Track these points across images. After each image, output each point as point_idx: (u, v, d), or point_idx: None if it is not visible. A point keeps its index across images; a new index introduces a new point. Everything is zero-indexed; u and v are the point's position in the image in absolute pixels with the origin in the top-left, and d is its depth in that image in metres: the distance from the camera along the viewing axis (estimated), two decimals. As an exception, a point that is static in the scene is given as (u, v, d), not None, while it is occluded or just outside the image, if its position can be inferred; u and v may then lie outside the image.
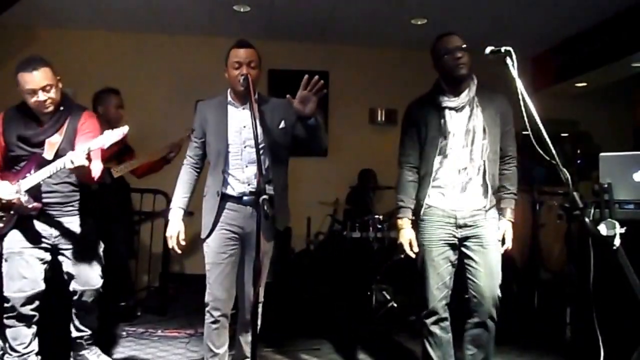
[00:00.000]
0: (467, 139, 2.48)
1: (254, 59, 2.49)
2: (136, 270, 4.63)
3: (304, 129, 2.44)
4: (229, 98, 2.60)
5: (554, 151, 1.95)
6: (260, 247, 2.20)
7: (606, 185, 2.22)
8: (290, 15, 5.21)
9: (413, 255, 2.56)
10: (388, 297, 4.17)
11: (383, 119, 6.20)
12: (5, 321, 2.67)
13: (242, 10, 5.02)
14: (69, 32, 5.60)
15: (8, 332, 2.68)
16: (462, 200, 2.51)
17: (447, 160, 2.51)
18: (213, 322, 2.55)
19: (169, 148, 3.82)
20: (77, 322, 2.85)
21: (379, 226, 4.58)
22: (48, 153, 2.60)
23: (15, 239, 2.64)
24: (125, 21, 5.44)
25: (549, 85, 6.06)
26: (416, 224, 2.58)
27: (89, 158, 2.36)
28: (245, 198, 2.52)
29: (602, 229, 1.93)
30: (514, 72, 2.07)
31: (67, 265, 2.72)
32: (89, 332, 2.88)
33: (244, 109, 2.54)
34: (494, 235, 2.55)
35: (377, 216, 4.61)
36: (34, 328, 2.72)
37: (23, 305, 2.63)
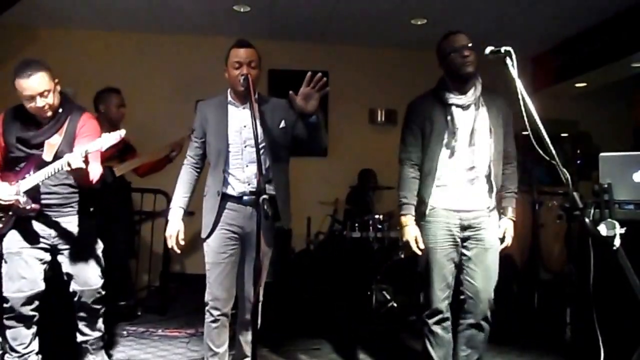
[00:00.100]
0: (473, 138, 2.48)
1: (254, 59, 2.49)
2: (137, 270, 4.64)
3: (304, 127, 2.45)
4: (229, 98, 2.60)
5: (553, 151, 1.95)
6: (261, 247, 2.20)
7: (606, 186, 2.22)
8: (290, 15, 5.21)
9: (419, 252, 2.53)
10: (388, 297, 4.17)
11: (383, 119, 6.20)
12: (5, 322, 2.67)
13: (242, 10, 5.02)
14: (69, 32, 5.60)
15: (8, 332, 2.68)
16: (467, 200, 2.51)
17: (453, 158, 2.49)
18: (213, 322, 2.56)
19: (171, 147, 3.83)
20: (80, 326, 2.81)
21: (379, 226, 4.58)
22: (47, 154, 2.59)
23: (14, 240, 2.64)
24: (125, 21, 5.44)
25: (548, 85, 6.06)
26: (419, 224, 2.56)
27: (86, 160, 2.35)
28: (245, 198, 2.53)
29: (602, 229, 1.92)
30: (514, 72, 2.07)
31: (66, 265, 2.71)
32: (94, 336, 2.83)
33: (244, 108, 2.54)
34: (495, 236, 2.56)
35: (377, 216, 4.62)
36: (34, 328, 2.71)
37: (22, 305, 2.63)
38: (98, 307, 2.80)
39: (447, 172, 2.51)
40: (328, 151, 6.00)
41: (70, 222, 2.70)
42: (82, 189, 2.70)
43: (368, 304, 4.19)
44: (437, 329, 2.56)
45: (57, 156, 2.54)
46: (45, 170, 2.48)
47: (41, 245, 2.67)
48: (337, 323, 4.12)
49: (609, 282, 2.37)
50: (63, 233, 2.68)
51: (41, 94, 2.49)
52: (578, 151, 5.13)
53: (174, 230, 2.56)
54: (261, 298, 2.55)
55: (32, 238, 2.65)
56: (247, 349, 2.65)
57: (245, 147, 2.53)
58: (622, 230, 1.91)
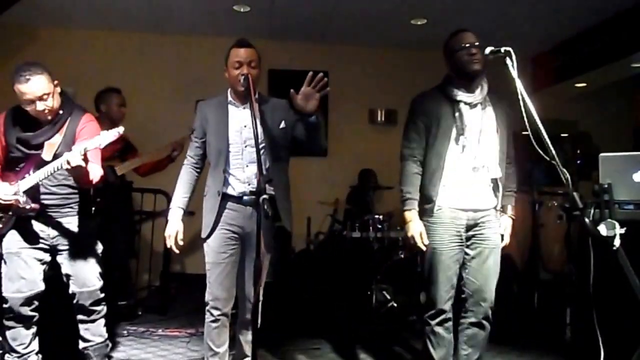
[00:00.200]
0: (481, 137, 2.48)
1: (254, 59, 2.49)
2: (137, 270, 4.64)
3: (303, 127, 2.44)
4: (229, 98, 2.60)
5: (553, 151, 1.95)
6: (261, 247, 2.20)
7: (606, 186, 2.22)
8: (290, 15, 5.21)
9: (424, 248, 2.49)
10: (388, 296, 4.17)
11: (383, 119, 6.20)
12: (5, 322, 2.66)
13: (242, 10, 5.03)
14: (69, 31, 5.60)
15: (8, 333, 2.67)
16: (476, 200, 2.50)
17: (462, 157, 2.48)
18: (213, 321, 2.56)
19: (172, 147, 3.83)
20: (81, 331, 2.77)
21: (379, 226, 4.58)
22: (47, 154, 2.58)
23: (13, 240, 2.63)
24: (125, 21, 5.43)
25: (548, 86, 6.06)
26: (423, 222, 2.53)
27: (85, 159, 2.34)
28: (245, 198, 2.52)
29: (602, 229, 1.93)
30: (514, 72, 2.08)
31: (65, 266, 2.69)
32: (95, 341, 2.78)
33: (244, 108, 2.54)
34: (498, 235, 2.56)
35: (377, 216, 4.62)
36: (34, 328, 2.70)
37: (21, 305, 2.61)
38: (97, 308, 2.76)
39: (455, 170, 2.49)
40: (328, 151, 6.01)
41: (71, 223, 2.69)
42: (82, 190, 2.69)
43: (368, 303, 4.20)
44: (439, 329, 2.55)
45: (56, 156, 2.52)
46: (45, 170, 2.47)
47: (41, 245, 2.66)
48: (337, 323, 4.13)
49: (609, 282, 2.37)
50: (62, 233, 2.67)
51: (40, 98, 2.47)
52: (578, 151, 5.14)
53: (173, 230, 2.56)
54: (261, 298, 2.56)
55: (31, 238, 2.64)
56: (247, 349, 2.65)
57: (246, 147, 2.53)
58: (622, 231, 1.91)
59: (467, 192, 2.49)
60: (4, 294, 2.63)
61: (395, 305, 4.14)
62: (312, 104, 2.35)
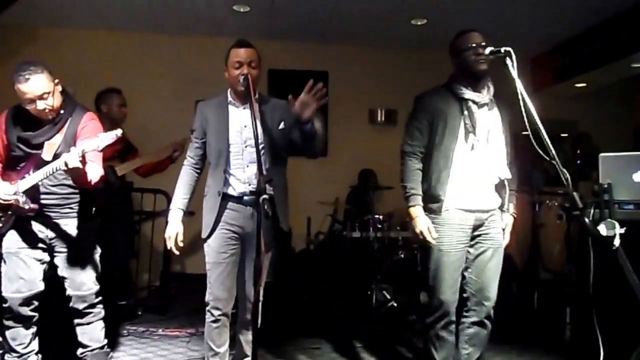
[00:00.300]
0: (489, 136, 2.48)
1: (254, 59, 2.49)
2: (137, 270, 4.64)
3: (299, 132, 2.45)
4: (229, 98, 2.60)
5: (553, 151, 1.95)
6: (261, 247, 2.20)
7: (606, 186, 2.22)
8: (290, 15, 5.21)
9: (434, 242, 2.47)
10: (388, 296, 4.17)
11: (383, 119, 6.20)
12: (5, 322, 2.66)
13: (241, 10, 5.03)
14: (69, 31, 5.59)
15: (7, 332, 2.67)
16: (484, 200, 2.51)
17: (472, 156, 2.47)
18: (214, 322, 2.56)
19: (173, 147, 3.82)
20: (79, 336, 2.75)
21: (379, 226, 4.58)
22: (46, 154, 2.57)
23: (12, 240, 2.62)
24: (125, 21, 5.43)
25: (548, 86, 6.07)
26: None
27: (83, 160, 2.32)
28: (245, 198, 2.52)
29: (602, 229, 1.93)
30: (514, 73, 2.08)
31: (61, 268, 2.68)
32: (92, 346, 2.76)
33: (244, 108, 2.54)
34: (501, 235, 2.57)
35: (377, 216, 4.62)
36: (34, 328, 2.70)
37: (20, 305, 2.61)
38: (92, 311, 2.74)
39: (464, 169, 2.48)
40: (328, 151, 6.03)
41: (69, 225, 2.67)
42: (82, 190, 2.68)
43: (368, 303, 4.20)
44: (444, 333, 2.54)
45: (56, 156, 2.51)
46: (44, 170, 2.46)
47: (40, 245, 2.65)
48: (337, 323, 4.12)
49: (608, 282, 2.37)
50: (61, 235, 2.65)
51: (40, 97, 2.46)
52: (578, 151, 5.15)
53: (173, 232, 2.56)
54: (261, 298, 2.56)
55: (30, 238, 2.63)
56: (248, 349, 2.65)
57: (246, 147, 2.53)
58: (622, 230, 1.92)
59: (475, 193, 2.49)
60: (3, 294, 2.63)
61: (395, 305, 4.14)
62: (308, 113, 2.34)
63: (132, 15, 5.25)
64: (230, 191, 2.55)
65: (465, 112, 2.47)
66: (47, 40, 5.45)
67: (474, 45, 2.44)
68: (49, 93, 2.48)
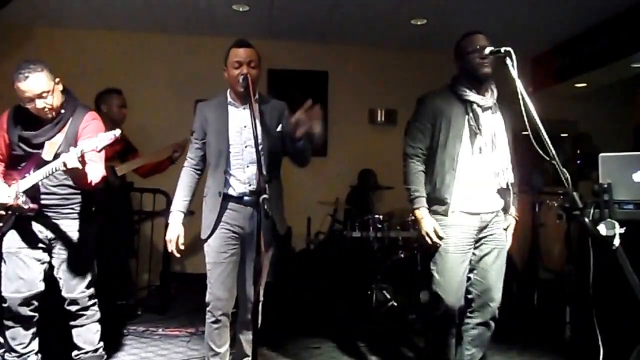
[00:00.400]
0: (495, 139, 2.48)
1: (253, 59, 2.49)
2: (137, 270, 4.64)
3: (289, 145, 2.49)
4: (229, 98, 2.60)
5: (553, 151, 1.96)
6: (261, 247, 2.20)
7: (606, 186, 2.22)
8: (289, 15, 5.21)
9: (441, 243, 2.46)
10: (388, 296, 4.17)
11: (383, 119, 6.20)
12: (5, 322, 2.65)
13: (241, 9, 5.02)
14: (67, 31, 5.56)
15: (7, 332, 2.66)
16: (489, 202, 2.51)
17: (478, 159, 2.48)
18: (214, 322, 2.55)
19: (173, 148, 3.82)
20: (74, 337, 2.74)
21: (379, 226, 4.58)
22: (47, 154, 2.56)
23: (12, 239, 2.62)
24: (123, 20, 5.42)
25: (548, 86, 6.06)
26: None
27: (83, 161, 2.31)
28: (246, 198, 2.52)
29: (602, 229, 1.93)
30: (514, 73, 2.08)
31: (57, 269, 2.67)
32: (85, 349, 2.75)
33: (244, 108, 2.54)
34: (504, 235, 2.57)
35: (377, 216, 4.62)
36: (34, 329, 2.69)
37: (20, 305, 2.60)
38: (86, 313, 2.72)
39: (470, 172, 2.47)
40: (328, 151, 6.04)
41: (69, 226, 2.66)
42: (83, 191, 2.66)
43: (368, 303, 4.20)
44: (447, 337, 2.54)
45: (57, 156, 2.50)
46: (44, 170, 2.45)
47: (39, 245, 2.64)
48: (337, 323, 4.13)
49: (608, 282, 2.37)
50: (60, 236, 2.64)
51: (39, 96, 2.45)
52: (578, 151, 5.14)
53: (174, 234, 2.55)
54: (262, 297, 2.56)
55: (30, 238, 2.62)
56: (248, 348, 2.65)
57: (246, 147, 2.53)
58: (622, 230, 1.92)
59: (480, 195, 2.49)
60: (3, 294, 2.62)
61: (395, 304, 4.14)
62: (301, 131, 2.37)
63: (131, 15, 5.24)
64: (231, 191, 2.55)
65: (470, 114, 2.46)
66: (45, 40, 5.42)
67: (477, 48, 2.42)
68: (48, 92, 2.47)
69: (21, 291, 2.60)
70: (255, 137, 2.26)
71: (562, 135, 6.13)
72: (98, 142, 2.30)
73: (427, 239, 2.47)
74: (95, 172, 2.53)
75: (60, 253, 2.66)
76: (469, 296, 2.55)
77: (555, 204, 4.53)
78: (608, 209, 2.14)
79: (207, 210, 2.57)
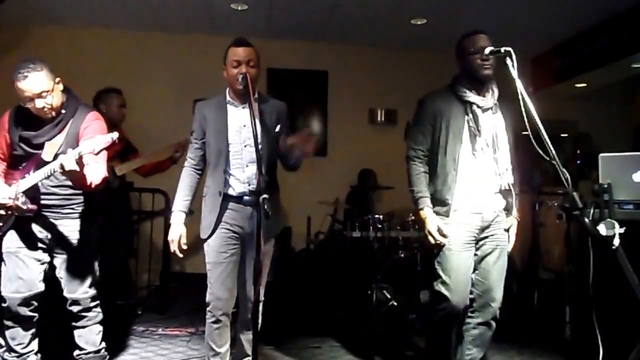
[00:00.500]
0: (497, 140, 2.48)
1: (252, 58, 2.48)
2: (136, 269, 4.64)
3: (280, 159, 2.57)
4: (228, 97, 2.59)
5: (553, 151, 1.96)
6: (261, 247, 2.20)
7: (606, 186, 2.22)
8: (289, 14, 5.21)
9: (445, 242, 2.45)
10: (388, 296, 4.17)
11: (383, 119, 6.20)
12: (4, 321, 2.65)
13: (239, 8, 5.01)
14: (64, 29, 5.52)
15: (7, 332, 2.65)
16: (491, 202, 2.51)
17: (478, 159, 2.48)
18: (215, 322, 2.55)
19: (174, 148, 3.81)
20: (76, 338, 2.73)
21: (379, 226, 4.59)
22: (47, 154, 2.54)
23: (12, 239, 2.61)
24: (120, 19, 5.39)
25: (549, 86, 6.06)
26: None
27: (81, 163, 2.29)
28: (245, 198, 2.52)
29: (602, 229, 1.93)
30: (514, 73, 2.08)
31: (59, 270, 2.66)
32: (87, 350, 2.74)
33: (243, 108, 2.54)
34: (506, 236, 2.57)
35: (377, 216, 4.62)
36: (33, 329, 2.68)
37: (19, 306, 2.59)
38: (88, 315, 2.71)
39: (472, 172, 2.48)
40: (328, 151, 6.04)
41: (69, 226, 2.64)
42: (85, 191, 2.63)
43: (368, 303, 4.20)
44: (450, 337, 2.54)
45: (57, 157, 2.47)
46: (43, 171, 2.44)
47: (40, 245, 2.63)
48: (338, 322, 4.13)
49: (608, 282, 2.37)
50: (60, 237, 2.63)
51: (39, 95, 2.43)
52: (578, 151, 5.14)
53: (177, 234, 2.55)
54: (262, 297, 2.56)
55: (30, 239, 2.61)
56: (248, 348, 2.65)
57: (245, 146, 2.53)
58: (622, 230, 1.92)
59: (481, 195, 2.49)
60: (2, 294, 2.61)
61: (395, 304, 4.14)
62: (294, 155, 2.43)
63: (128, 13, 5.22)
64: (230, 191, 2.54)
65: (470, 115, 2.46)
66: (41, 38, 5.37)
67: (479, 48, 2.41)
68: (47, 91, 2.45)
69: (20, 291, 2.59)
70: (255, 137, 2.26)
71: (562, 135, 6.13)
72: (95, 145, 2.27)
73: (431, 238, 2.47)
74: (96, 173, 2.51)
75: (61, 253, 2.65)
76: (471, 296, 2.55)
77: (555, 204, 4.53)
78: (608, 209, 2.14)
79: (206, 210, 2.57)
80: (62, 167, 2.27)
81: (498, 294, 2.52)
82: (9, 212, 2.56)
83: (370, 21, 5.31)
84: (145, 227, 4.89)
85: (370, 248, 4.55)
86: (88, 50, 5.55)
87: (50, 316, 2.82)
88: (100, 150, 2.30)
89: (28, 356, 2.69)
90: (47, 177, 2.46)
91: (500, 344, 3.40)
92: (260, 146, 2.35)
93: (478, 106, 2.47)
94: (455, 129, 2.47)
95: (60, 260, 2.66)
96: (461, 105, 2.49)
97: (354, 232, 4.66)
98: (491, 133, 2.49)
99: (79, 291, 2.67)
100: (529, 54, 6.13)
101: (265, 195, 2.11)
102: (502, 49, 2.15)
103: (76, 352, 2.76)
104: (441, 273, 2.51)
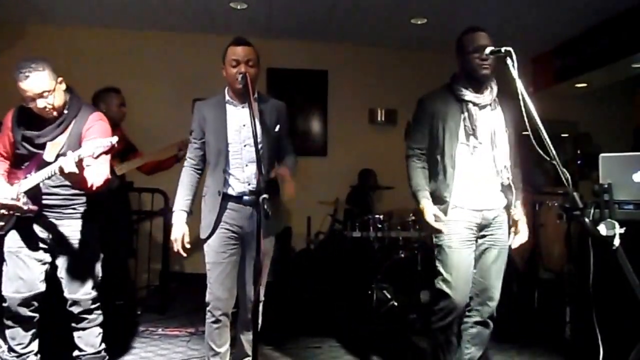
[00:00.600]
0: (495, 137, 2.48)
1: (252, 57, 2.48)
2: (136, 269, 4.63)
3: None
4: (227, 97, 2.58)
5: (554, 151, 1.95)
6: (261, 247, 2.20)
7: (606, 186, 2.22)
8: (288, 14, 5.21)
9: (445, 230, 2.43)
10: (388, 296, 4.17)
11: (383, 119, 6.20)
12: (5, 321, 2.64)
13: (239, 7, 5.01)
14: (60, 28, 5.50)
15: (7, 332, 2.65)
16: (489, 199, 2.51)
17: (475, 157, 2.48)
18: (214, 322, 2.55)
19: (178, 146, 3.79)
20: (75, 339, 2.72)
21: (379, 226, 4.59)
22: (49, 155, 2.53)
23: (13, 239, 2.60)
24: (119, 18, 5.38)
25: (549, 86, 6.07)
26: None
27: (80, 165, 2.26)
28: (245, 198, 2.52)
29: (602, 229, 1.93)
30: (515, 73, 2.08)
31: (61, 270, 2.65)
32: (87, 351, 2.73)
33: (243, 107, 2.53)
34: (507, 236, 2.57)
35: (377, 216, 4.62)
36: (34, 329, 2.67)
37: (19, 306, 2.58)
38: (88, 317, 2.70)
39: (469, 170, 2.48)
40: (328, 151, 6.05)
41: (71, 226, 2.62)
42: (88, 192, 2.60)
43: (368, 303, 4.20)
44: (453, 338, 2.53)
45: (59, 157, 2.47)
46: (44, 172, 2.42)
47: (41, 246, 2.62)
48: (338, 322, 4.12)
49: (608, 282, 2.37)
50: (62, 237, 2.61)
51: (40, 95, 2.42)
52: (578, 151, 5.13)
53: (179, 234, 2.54)
54: (263, 297, 2.56)
55: (31, 239, 2.60)
56: (248, 348, 2.65)
57: (245, 146, 2.53)
58: (622, 230, 1.91)
59: (481, 192, 2.49)
60: (3, 293, 2.61)
61: (395, 304, 4.14)
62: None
63: (126, 12, 5.20)
64: (230, 191, 2.54)
65: (465, 114, 2.47)
66: (38, 37, 5.34)
67: (478, 47, 2.41)
68: (49, 91, 2.44)
69: (21, 291, 2.58)
70: (255, 137, 2.26)
71: (563, 135, 6.12)
72: (95, 148, 2.24)
73: (430, 225, 2.45)
74: (98, 174, 2.48)
75: (62, 254, 2.64)
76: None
77: (556, 204, 4.54)
78: (608, 209, 2.14)
79: (206, 210, 2.57)
80: (61, 169, 2.25)
81: (495, 293, 2.53)
82: (11, 212, 2.55)
83: (370, 21, 5.31)
84: (144, 227, 4.89)
85: (370, 248, 4.55)
86: (86, 50, 5.52)
87: (51, 316, 2.81)
88: (100, 154, 2.27)
89: (27, 356, 2.68)
90: (49, 178, 2.45)
91: (500, 344, 3.40)
92: (260, 146, 2.35)
93: (474, 104, 2.48)
94: (451, 128, 2.48)
95: (61, 261, 2.65)
96: (458, 104, 2.50)
97: (354, 232, 4.66)
98: (489, 130, 2.49)
99: (80, 292, 2.66)
100: (529, 54, 6.13)
101: (265, 195, 2.11)
102: (503, 49, 2.15)
103: (75, 353, 2.75)
104: (442, 270, 2.50)
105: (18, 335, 2.64)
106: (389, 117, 6.18)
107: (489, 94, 2.50)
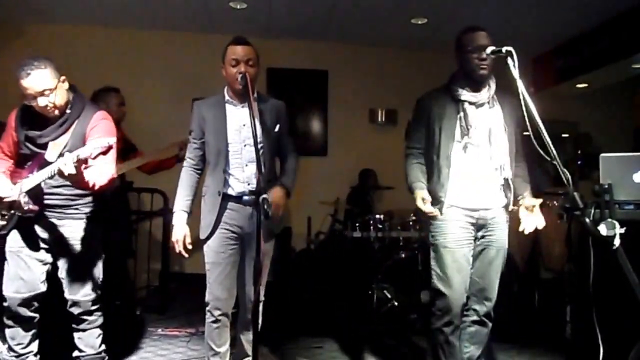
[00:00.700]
0: (489, 135, 2.48)
1: (251, 57, 2.48)
2: (135, 270, 4.63)
3: None
4: (227, 96, 2.58)
5: (554, 152, 1.95)
6: (261, 247, 2.20)
7: (606, 186, 2.22)
8: (289, 13, 5.20)
9: (436, 213, 2.43)
10: (389, 296, 4.17)
11: (383, 119, 6.20)
12: (5, 321, 2.63)
13: (238, 7, 5.00)
14: (59, 27, 5.47)
15: (7, 331, 2.64)
16: (486, 199, 2.50)
17: (472, 156, 2.48)
18: (214, 322, 2.55)
19: (179, 146, 3.78)
20: (75, 339, 2.71)
21: (380, 226, 4.59)
22: (50, 154, 2.51)
23: (15, 239, 2.58)
24: (117, 17, 5.37)
25: (550, 86, 6.06)
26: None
27: (79, 166, 2.24)
28: (245, 198, 2.52)
29: (602, 229, 1.93)
30: (515, 73, 2.07)
31: (61, 271, 2.63)
32: (87, 352, 2.71)
33: (242, 107, 2.53)
34: (505, 236, 2.56)
35: (377, 216, 4.62)
36: (34, 330, 2.66)
37: (20, 306, 2.57)
38: (88, 318, 2.68)
39: (465, 169, 2.48)
40: (328, 151, 6.04)
41: (72, 227, 2.60)
42: (92, 192, 2.57)
43: (369, 303, 4.20)
44: (453, 339, 2.53)
45: (62, 156, 2.47)
46: (45, 171, 2.40)
47: (42, 246, 2.60)
48: (338, 322, 4.13)
49: (608, 282, 2.37)
50: (63, 238, 2.60)
51: (41, 93, 2.40)
52: (579, 152, 5.14)
53: (181, 234, 2.54)
54: (263, 297, 2.56)
55: (32, 239, 2.59)
56: (248, 348, 2.65)
57: (245, 146, 2.52)
58: (622, 230, 1.91)
59: (478, 191, 2.48)
60: (3, 293, 2.60)
61: (396, 304, 4.14)
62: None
63: (125, 11, 5.19)
64: (230, 191, 2.54)
65: (461, 113, 2.47)
66: (36, 37, 5.32)
67: (477, 47, 2.41)
68: (50, 90, 2.42)
69: (21, 291, 2.56)
70: (255, 136, 2.25)
71: (563, 135, 6.13)
72: (92, 149, 2.22)
73: (422, 211, 2.45)
74: (101, 174, 2.46)
75: (63, 254, 2.63)
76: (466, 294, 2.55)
77: (556, 204, 4.53)
78: (608, 209, 2.14)
79: (206, 210, 2.56)
80: (59, 171, 2.24)
81: (492, 293, 2.53)
82: (12, 212, 2.55)
83: (371, 21, 5.31)
84: (144, 227, 4.88)
85: (370, 248, 4.55)
86: (85, 49, 5.49)
87: (51, 317, 2.80)
88: (98, 155, 2.25)
89: (27, 357, 2.67)
90: (50, 178, 2.44)
91: (501, 344, 3.40)
92: (260, 145, 2.34)
93: (470, 103, 2.48)
94: (447, 127, 2.48)
95: (62, 261, 2.63)
96: (454, 104, 2.50)
97: (354, 232, 4.67)
98: (486, 128, 2.48)
99: (80, 293, 2.65)
100: (530, 54, 6.13)
101: (265, 195, 2.11)
102: (504, 49, 2.15)
103: (75, 354, 2.74)
104: (438, 270, 2.52)
105: (18, 336, 2.63)
106: (389, 117, 6.18)
107: (487, 92, 2.50)
